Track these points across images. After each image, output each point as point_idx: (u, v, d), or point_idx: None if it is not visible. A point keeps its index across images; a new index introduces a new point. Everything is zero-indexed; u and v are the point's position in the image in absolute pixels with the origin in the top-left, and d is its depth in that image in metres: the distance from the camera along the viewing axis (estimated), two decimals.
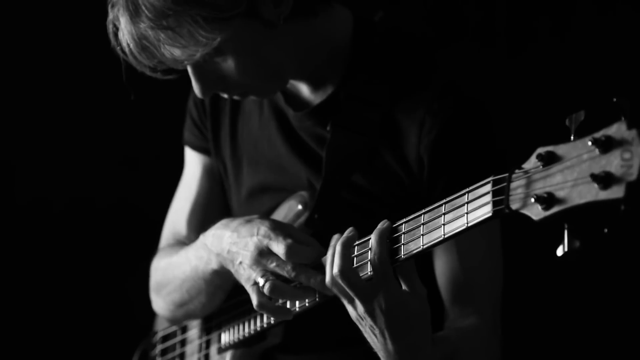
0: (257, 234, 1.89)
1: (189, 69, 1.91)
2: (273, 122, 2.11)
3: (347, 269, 1.69)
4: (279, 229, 1.88)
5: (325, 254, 1.82)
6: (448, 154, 1.93)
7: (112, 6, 1.87)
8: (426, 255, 1.99)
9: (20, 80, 3.21)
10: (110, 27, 1.88)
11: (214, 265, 2.01)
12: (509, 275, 2.02)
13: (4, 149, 3.26)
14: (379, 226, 1.70)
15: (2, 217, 3.27)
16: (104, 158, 3.28)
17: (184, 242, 2.24)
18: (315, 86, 2.05)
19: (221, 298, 2.14)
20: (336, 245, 1.72)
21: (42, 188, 3.27)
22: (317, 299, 1.87)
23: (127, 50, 1.86)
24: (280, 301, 1.91)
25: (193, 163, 2.30)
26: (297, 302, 1.89)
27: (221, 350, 2.15)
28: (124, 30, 1.84)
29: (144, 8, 1.79)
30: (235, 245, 1.93)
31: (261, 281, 1.88)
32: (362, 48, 2.01)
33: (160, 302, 2.23)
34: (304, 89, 2.06)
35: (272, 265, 1.87)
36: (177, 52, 1.83)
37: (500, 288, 1.99)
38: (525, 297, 2.94)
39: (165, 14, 1.79)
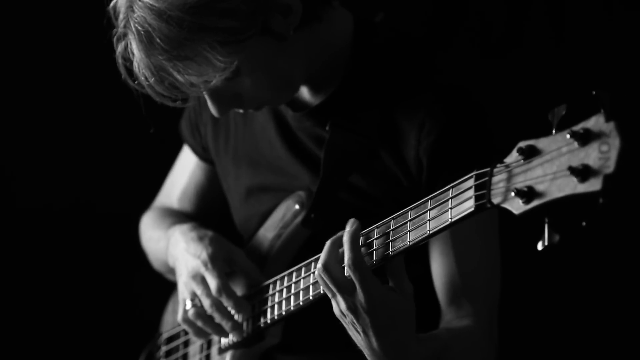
0: (200, 257, 2.05)
1: (205, 93, 1.90)
2: (272, 123, 2.11)
3: (329, 264, 1.70)
4: (216, 260, 2.04)
5: (261, 281, 2.03)
6: (447, 156, 1.92)
7: (119, 40, 1.86)
8: (422, 255, 1.99)
9: (20, 84, 3.23)
10: (119, 60, 1.88)
11: (170, 263, 2.17)
12: (505, 276, 2.00)
13: (4, 152, 3.29)
14: (348, 229, 1.71)
15: (5, 219, 3.30)
16: (105, 161, 3.30)
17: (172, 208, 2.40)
18: (315, 87, 2.05)
19: None
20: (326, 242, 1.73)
21: (43, 190, 3.30)
22: (310, 298, 1.88)
23: (145, 83, 1.84)
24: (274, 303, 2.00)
25: (188, 153, 2.36)
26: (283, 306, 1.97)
27: (221, 351, 2.15)
28: (140, 64, 1.83)
29: (158, 40, 1.78)
30: (182, 257, 2.09)
31: (188, 304, 2.06)
32: (363, 49, 2.01)
33: (150, 259, 2.41)
34: (303, 90, 2.07)
35: (199, 292, 2.04)
36: (195, 80, 1.81)
37: (497, 290, 1.98)
38: (522, 299, 2.92)
39: (181, 43, 1.78)
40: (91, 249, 3.33)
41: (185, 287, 2.07)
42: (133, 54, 1.84)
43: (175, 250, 2.13)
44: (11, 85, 3.23)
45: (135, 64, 1.84)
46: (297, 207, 2.05)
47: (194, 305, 2.06)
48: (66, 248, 3.32)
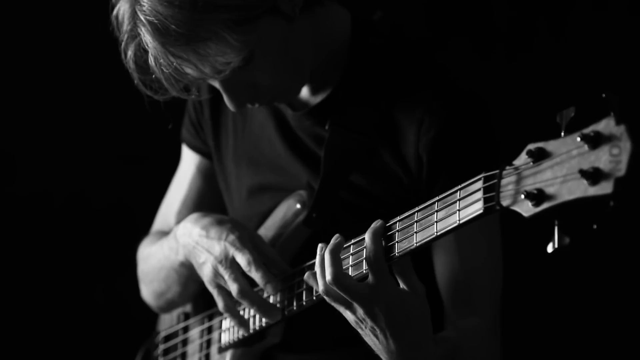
0: (226, 239, 1.98)
1: (219, 85, 1.90)
2: (272, 122, 2.11)
3: (340, 275, 1.68)
4: (247, 240, 1.97)
5: (287, 271, 1.96)
6: (447, 153, 1.93)
7: (128, 43, 1.85)
8: (426, 255, 2.00)
9: (22, 76, 3.22)
10: (131, 65, 1.87)
11: (180, 256, 2.10)
12: (508, 274, 2.01)
13: (5, 144, 3.27)
14: (373, 225, 1.70)
15: (3, 213, 3.29)
16: (104, 155, 3.29)
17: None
18: (314, 86, 2.06)
19: (195, 288, 2.19)
20: (324, 253, 1.71)
21: (42, 184, 3.28)
22: (313, 298, 1.88)
23: (163, 76, 1.83)
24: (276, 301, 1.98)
25: (187, 161, 2.33)
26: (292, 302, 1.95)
27: (221, 350, 2.15)
28: (158, 55, 1.81)
29: (174, 27, 1.78)
30: (201, 244, 2.01)
31: (234, 288, 1.98)
32: (361, 48, 2.02)
33: (145, 291, 2.31)
34: (303, 90, 2.07)
35: (227, 277, 1.97)
36: (213, 62, 1.81)
37: (500, 288, 1.99)
38: (525, 297, 2.93)
39: (197, 24, 1.78)
40: (87, 246, 3.32)
41: (213, 274, 2.00)
42: (147, 48, 1.82)
43: (189, 239, 2.05)
44: (11, 77, 3.21)
45: (150, 58, 1.83)
46: (298, 206, 2.04)
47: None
48: (62, 244, 3.31)
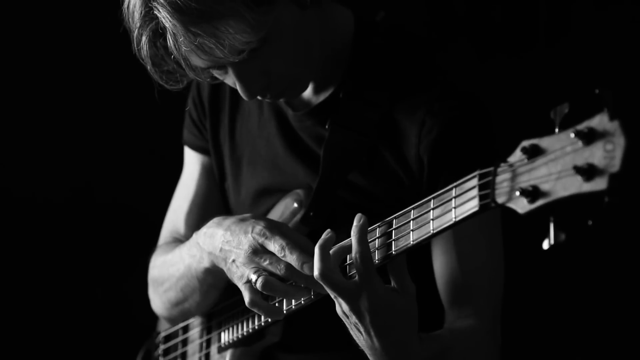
0: (252, 232, 1.92)
1: (233, 71, 1.90)
2: (273, 122, 2.11)
3: (327, 270, 1.69)
4: (274, 228, 1.91)
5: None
6: (448, 154, 1.93)
7: (144, 26, 1.85)
8: (425, 255, 1.99)
9: (21, 75, 3.23)
10: (144, 53, 1.87)
11: (206, 263, 2.03)
12: (509, 275, 2.00)
13: (3, 144, 3.27)
14: (356, 223, 1.69)
15: (3, 211, 3.29)
16: (104, 156, 3.29)
17: (181, 240, 2.25)
18: (316, 86, 2.06)
19: (215, 297, 2.15)
20: (315, 247, 1.72)
21: (45, 184, 3.29)
22: (312, 297, 1.87)
23: (181, 57, 1.84)
24: (275, 301, 1.94)
25: (192, 163, 2.31)
26: (292, 300, 1.90)
27: (221, 349, 2.15)
28: (178, 35, 1.81)
29: (194, 4, 1.78)
30: (228, 244, 1.95)
31: (254, 277, 1.89)
32: (363, 48, 2.02)
33: (157, 301, 2.25)
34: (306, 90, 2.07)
35: (266, 263, 1.89)
36: (233, 39, 1.80)
37: (500, 289, 1.98)
38: (525, 298, 2.93)
39: (216, 1, 1.78)
40: (88, 246, 3.32)
41: (245, 269, 1.92)
42: (166, 27, 1.81)
43: (214, 242, 1.98)
44: (10, 77, 3.21)
45: (169, 40, 1.82)
46: (295, 205, 2.05)
47: (259, 276, 1.89)
48: (64, 244, 3.31)
